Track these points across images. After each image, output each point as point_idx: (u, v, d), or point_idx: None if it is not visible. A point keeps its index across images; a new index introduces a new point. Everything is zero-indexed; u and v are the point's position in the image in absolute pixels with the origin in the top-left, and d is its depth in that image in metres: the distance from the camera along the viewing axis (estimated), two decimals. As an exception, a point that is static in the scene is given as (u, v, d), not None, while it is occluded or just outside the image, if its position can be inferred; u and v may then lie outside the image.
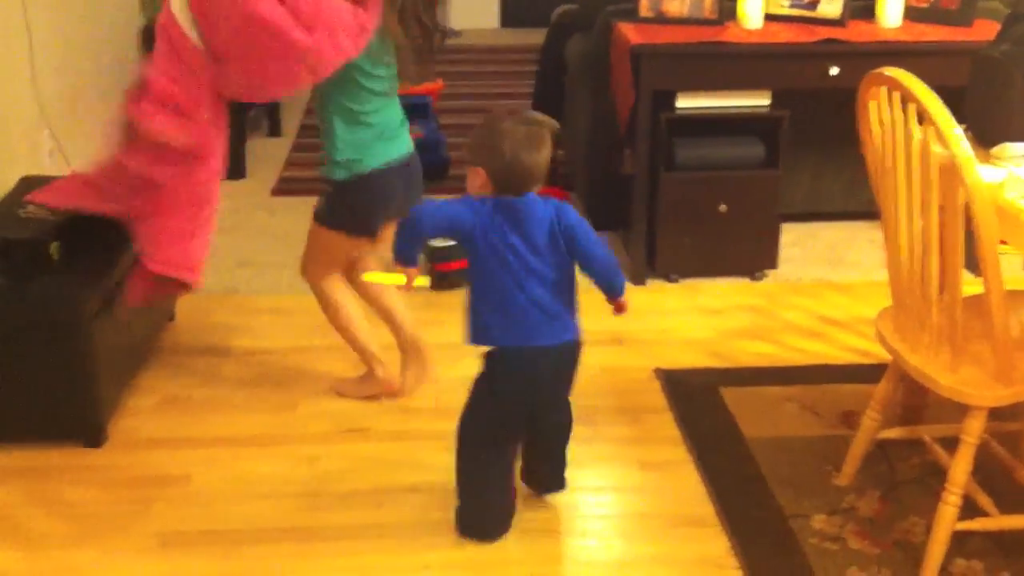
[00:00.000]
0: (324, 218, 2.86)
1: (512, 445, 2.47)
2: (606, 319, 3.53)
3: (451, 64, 6.49)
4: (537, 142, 2.28)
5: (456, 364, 3.25)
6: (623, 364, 3.27)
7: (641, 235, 3.77)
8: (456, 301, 3.74)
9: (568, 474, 2.64)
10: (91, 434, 2.81)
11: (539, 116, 2.36)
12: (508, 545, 2.46)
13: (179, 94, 2.60)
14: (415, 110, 4.89)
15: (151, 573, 2.38)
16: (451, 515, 2.50)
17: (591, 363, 3.26)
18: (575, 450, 2.83)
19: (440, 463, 2.61)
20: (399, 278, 2.38)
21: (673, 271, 3.82)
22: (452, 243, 3.79)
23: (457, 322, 3.55)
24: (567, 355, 2.44)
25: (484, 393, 2.42)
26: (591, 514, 2.61)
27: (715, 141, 3.76)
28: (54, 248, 2.79)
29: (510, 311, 2.33)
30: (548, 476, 2.62)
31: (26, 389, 2.77)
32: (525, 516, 2.57)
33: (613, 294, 2.48)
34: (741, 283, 3.82)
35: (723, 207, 3.73)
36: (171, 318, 3.48)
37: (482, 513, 2.47)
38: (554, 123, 2.34)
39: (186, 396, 3.07)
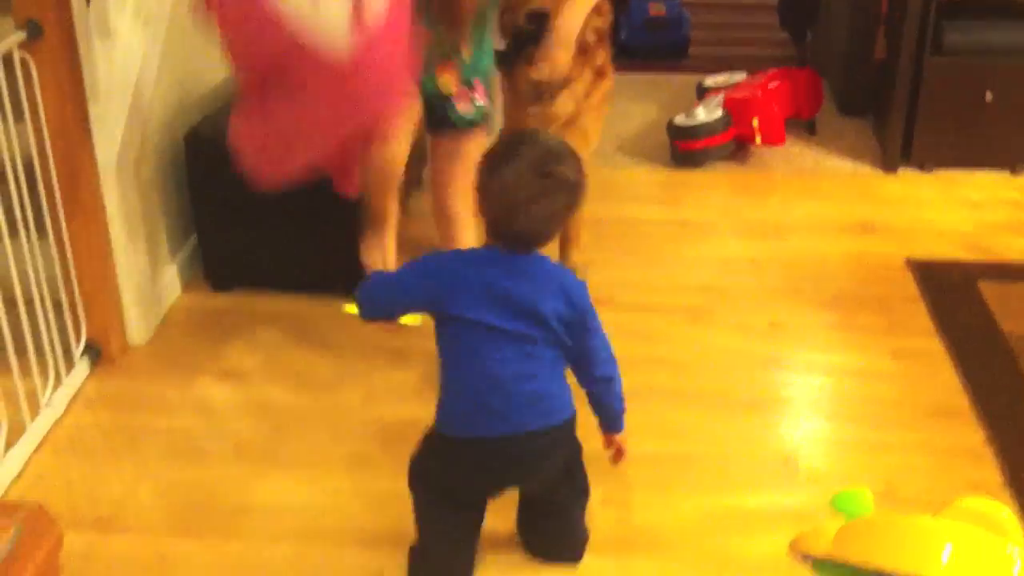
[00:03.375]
0: None
1: (472, 511, 1.97)
2: (854, 205, 3.45)
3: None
4: (549, 191, 1.76)
5: (693, 245, 3.24)
6: (873, 251, 3.18)
7: (898, 122, 3.60)
8: (697, 180, 3.71)
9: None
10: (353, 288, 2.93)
11: (561, 148, 1.82)
12: (755, 423, 2.47)
13: None
14: (659, -15, 4.82)
15: (414, 414, 2.49)
16: (717, 385, 2.58)
17: (838, 250, 3.20)
18: (823, 335, 2.79)
19: (678, 334, 2.74)
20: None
21: (928, 161, 3.65)
22: (695, 122, 3.74)
23: (695, 202, 3.54)
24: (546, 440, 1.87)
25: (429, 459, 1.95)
26: (842, 397, 2.58)
27: (988, 25, 3.53)
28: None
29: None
30: (556, 540, 2.05)
31: (296, 243, 2.94)
32: (770, 397, 2.57)
33: (613, 424, 1.93)
34: (1001, 176, 3.63)
35: (989, 96, 3.52)
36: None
37: (431, 564, 2.01)
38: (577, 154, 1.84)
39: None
